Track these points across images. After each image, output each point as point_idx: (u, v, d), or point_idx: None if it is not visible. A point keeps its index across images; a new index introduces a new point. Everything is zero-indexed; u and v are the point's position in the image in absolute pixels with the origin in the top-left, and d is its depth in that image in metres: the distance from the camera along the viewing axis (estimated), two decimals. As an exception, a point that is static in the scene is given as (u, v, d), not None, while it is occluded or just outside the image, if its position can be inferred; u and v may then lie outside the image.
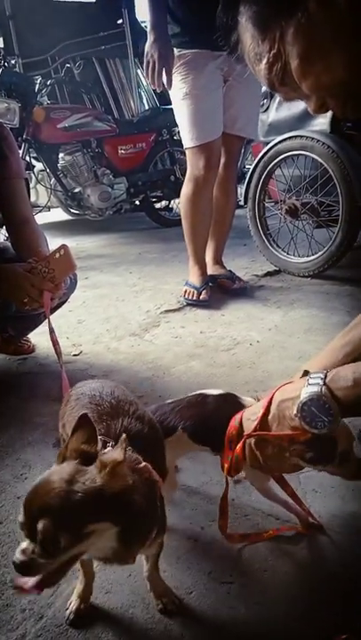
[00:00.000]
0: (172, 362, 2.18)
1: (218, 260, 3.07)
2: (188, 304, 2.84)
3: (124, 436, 0.77)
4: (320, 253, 2.96)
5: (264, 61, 0.82)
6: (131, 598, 1.08)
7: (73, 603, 1.05)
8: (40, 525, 0.72)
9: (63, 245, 1.75)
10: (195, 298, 2.82)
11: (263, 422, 1.00)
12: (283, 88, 0.86)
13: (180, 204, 2.92)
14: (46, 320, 2.17)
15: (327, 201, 2.90)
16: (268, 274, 3.23)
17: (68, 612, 1.05)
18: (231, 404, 1.18)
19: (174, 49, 2.54)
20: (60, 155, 4.39)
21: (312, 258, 3.01)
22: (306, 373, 0.98)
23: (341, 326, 1.14)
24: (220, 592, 1.08)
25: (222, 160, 2.81)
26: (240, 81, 2.58)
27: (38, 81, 4.23)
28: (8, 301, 1.90)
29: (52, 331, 1.65)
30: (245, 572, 1.13)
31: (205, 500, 1.35)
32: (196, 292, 2.84)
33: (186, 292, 2.87)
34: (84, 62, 4.83)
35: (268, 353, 2.19)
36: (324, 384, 0.90)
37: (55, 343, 1.62)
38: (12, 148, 2.01)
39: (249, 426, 1.04)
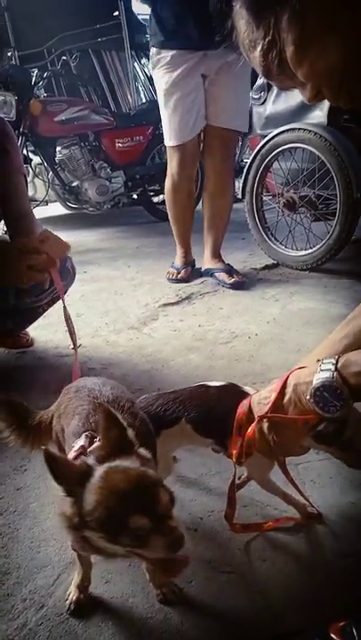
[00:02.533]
0: (171, 355, 2.18)
1: (216, 254, 3.07)
2: (170, 282, 3.10)
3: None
4: (318, 246, 2.95)
5: (258, 48, 0.82)
6: (130, 588, 1.08)
7: (72, 593, 1.06)
8: (162, 495, 0.77)
9: (45, 230, 1.70)
10: (174, 277, 3.10)
11: (277, 406, 1.01)
12: (278, 76, 0.85)
13: (165, 197, 3.18)
14: (43, 315, 2.19)
15: (325, 194, 2.89)
16: (267, 267, 3.23)
17: (67, 602, 1.05)
18: (234, 394, 1.18)
19: (154, 49, 2.69)
20: (58, 148, 4.37)
21: (310, 251, 3.01)
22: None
23: (340, 319, 1.15)
24: (220, 581, 1.09)
25: (217, 153, 2.84)
26: (223, 75, 2.67)
27: (35, 73, 4.20)
28: (7, 292, 1.90)
29: (65, 307, 1.66)
30: (245, 562, 1.13)
31: (204, 492, 1.35)
32: (176, 271, 3.13)
33: (168, 272, 3.15)
34: (80, 54, 4.79)
35: (266, 346, 2.19)
36: (336, 370, 0.92)
37: (68, 318, 1.64)
38: (12, 143, 2.00)
39: (260, 409, 1.04)
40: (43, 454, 0.75)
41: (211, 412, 1.18)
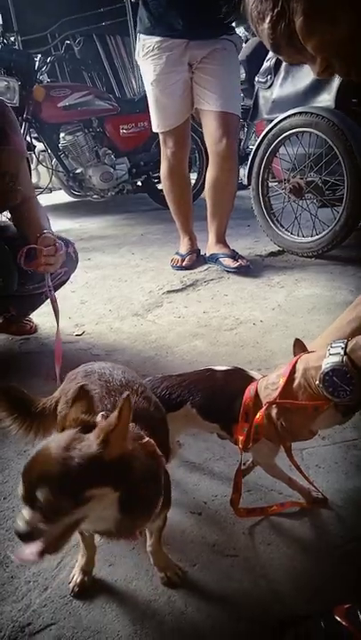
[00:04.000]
0: (175, 341, 2.17)
1: (220, 239, 3.04)
2: (174, 270, 3.08)
3: (124, 395, 0.76)
4: (324, 233, 2.92)
5: (267, 20, 0.79)
6: (134, 571, 1.08)
7: (76, 576, 1.06)
8: (40, 491, 0.73)
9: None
10: (179, 264, 3.09)
11: (286, 391, 1.00)
12: (287, 49, 0.83)
13: (162, 183, 3.22)
14: (47, 301, 2.18)
15: (332, 179, 2.85)
16: (272, 254, 3.20)
17: (71, 584, 1.05)
18: (240, 378, 1.17)
19: (140, 35, 2.77)
20: (61, 134, 4.31)
21: (316, 238, 2.97)
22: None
23: (345, 305, 1.13)
24: (224, 565, 1.08)
25: (216, 136, 2.82)
26: (209, 62, 2.73)
27: (38, 58, 4.14)
28: (11, 279, 1.90)
29: (50, 289, 1.71)
30: (249, 546, 1.13)
31: (208, 476, 1.35)
32: (180, 258, 3.11)
33: (173, 259, 3.14)
34: (84, 39, 4.69)
35: (271, 332, 2.17)
36: (345, 354, 0.90)
37: (53, 301, 1.71)
38: (12, 126, 1.97)
39: (268, 395, 1.03)
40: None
41: (216, 396, 1.17)
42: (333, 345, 0.94)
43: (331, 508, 1.21)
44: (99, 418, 0.91)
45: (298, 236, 3.09)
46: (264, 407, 1.03)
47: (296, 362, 1.02)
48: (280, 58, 0.94)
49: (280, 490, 1.26)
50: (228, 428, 1.15)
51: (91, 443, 0.76)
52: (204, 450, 1.43)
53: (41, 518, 0.74)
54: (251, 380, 1.14)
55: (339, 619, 0.85)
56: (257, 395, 1.08)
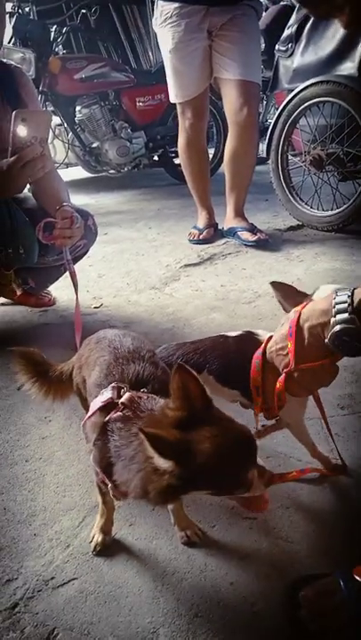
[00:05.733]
0: (193, 314, 2.17)
1: (239, 213, 3.00)
2: (192, 244, 3.06)
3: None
4: (345, 207, 2.86)
5: None
6: (155, 530, 1.10)
7: (96, 535, 1.08)
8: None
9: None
10: (196, 238, 3.07)
11: (298, 355, 0.98)
12: None
13: (179, 156, 3.17)
14: (66, 274, 2.19)
15: (354, 151, 2.78)
16: (291, 228, 3.15)
17: (92, 543, 1.08)
18: (252, 343, 1.14)
19: (159, 2, 2.70)
20: (78, 108, 4.26)
21: (337, 211, 2.91)
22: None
23: (365, 279, 1.10)
24: (243, 526, 1.10)
25: (236, 106, 2.76)
26: (228, 30, 2.67)
27: (53, 29, 4.07)
28: (34, 249, 1.90)
29: (69, 262, 1.69)
30: (268, 509, 1.13)
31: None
32: (198, 232, 3.10)
33: (190, 233, 3.12)
34: (99, 8, 4.58)
35: (290, 305, 2.15)
36: (353, 311, 0.88)
37: (72, 273, 1.70)
38: (31, 96, 1.95)
39: (281, 361, 1.02)
40: (143, 435, 0.73)
41: (232, 362, 1.15)
42: (339, 299, 0.91)
43: (350, 475, 1.21)
44: (109, 390, 0.92)
45: (318, 209, 3.03)
46: (283, 376, 1.01)
47: (298, 319, 0.98)
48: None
49: (299, 457, 1.26)
50: (249, 395, 1.13)
51: None
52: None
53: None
54: (258, 342, 1.12)
55: (358, 577, 0.86)
56: (263, 366, 1.06)
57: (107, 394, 0.93)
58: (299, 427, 1.20)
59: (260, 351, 1.09)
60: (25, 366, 1.24)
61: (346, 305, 0.89)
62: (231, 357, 1.17)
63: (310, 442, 1.21)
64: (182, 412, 0.79)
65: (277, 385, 1.03)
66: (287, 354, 1.00)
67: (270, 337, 1.09)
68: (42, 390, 1.24)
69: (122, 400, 0.87)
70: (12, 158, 1.50)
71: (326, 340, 0.91)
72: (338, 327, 0.88)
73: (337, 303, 0.90)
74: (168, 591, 0.98)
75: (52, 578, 1.02)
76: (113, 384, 0.94)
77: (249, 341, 1.16)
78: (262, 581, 0.98)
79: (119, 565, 1.04)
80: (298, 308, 1.01)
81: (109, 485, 0.89)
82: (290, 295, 1.13)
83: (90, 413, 0.94)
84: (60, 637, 0.91)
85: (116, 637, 0.90)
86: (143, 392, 0.88)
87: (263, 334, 1.15)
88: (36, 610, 0.96)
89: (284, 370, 1.02)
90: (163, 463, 0.74)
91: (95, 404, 0.94)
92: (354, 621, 0.84)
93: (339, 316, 0.89)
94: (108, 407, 0.91)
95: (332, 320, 0.89)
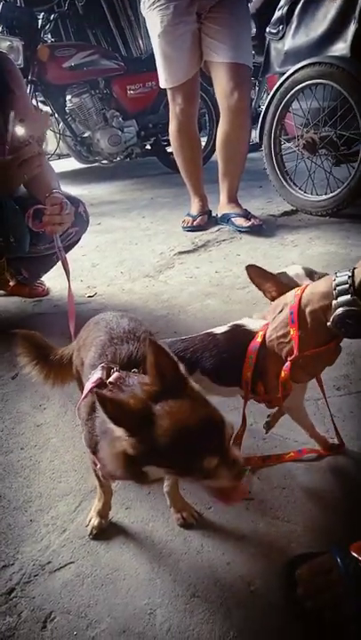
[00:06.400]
0: (188, 300, 2.16)
1: (232, 199, 2.98)
2: (186, 231, 3.04)
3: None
4: (339, 190, 2.83)
5: None
6: (150, 513, 1.10)
7: (93, 519, 1.08)
8: (227, 430, 0.76)
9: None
10: (190, 225, 3.05)
11: (302, 341, 0.96)
12: None
13: (171, 143, 3.14)
14: (58, 263, 2.17)
15: (347, 134, 2.75)
16: (285, 214, 3.13)
17: (88, 527, 1.07)
18: (243, 335, 1.10)
19: None
20: (68, 97, 4.22)
21: (331, 195, 2.89)
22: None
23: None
24: (239, 507, 1.09)
25: (228, 90, 2.72)
26: (218, 12, 2.63)
27: (41, 16, 4.01)
28: (24, 239, 1.88)
29: (60, 249, 1.67)
30: (264, 490, 1.14)
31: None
32: (192, 219, 3.08)
33: (184, 220, 3.11)
34: (88, -5, 4.54)
35: (284, 289, 2.14)
36: (355, 292, 0.86)
37: (64, 260, 1.67)
38: (17, 83, 1.92)
39: (283, 349, 1.00)
40: (96, 397, 0.73)
41: (226, 360, 1.10)
42: (339, 281, 0.88)
43: (347, 455, 1.21)
44: (98, 370, 0.90)
45: (312, 194, 3.01)
46: (288, 365, 0.99)
47: (299, 304, 0.97)
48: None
49: (295, 438, 1.26)
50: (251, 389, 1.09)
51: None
52: (218, 401, 1.42)
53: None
54: (250, 334, 1.08)
55: (355, 554, 0.86)
56: (257, 358, 1.04)
57: (96, 374, 0.92)
58: (300, 410, 1.19)
59: (255, 345, 1.05)
60: (27, 349, 1.23)
61: (347, 286, 0.87)
62: (224, 356, 1.11)
63: (309, 423, 1.20)
64: (155, 387, 0.77)
65: (282, 374, 1.00)
66: (290, 341, 0.98)
67: (266, 325, 1.06)
68: (42, 373, 1.23)
69: (109, 380, 0.86)
70: (10, 157, 1.52)
71: (329, 324, 0.90)
72: (340, 310, 0.87)
73: (337, 285, 0.88)
74: (165, 572, 0.97)
75: (49, 562, 1.02)
76: (103, 364, 0.93)
77: (239, 334, 1.11)
78: (259, 561, 0.98)
79: (116, 548, 1.03)
80: (297, 292, 1.00)
81: (98, 466, 0.88)
82: (264, 276, 1.13)
83: (83, 395, 0.93)
84: (57, 621, 0.91)
85: (113, 619, 0.90)
86: (134, 372, 0.87)
87: (251, 323, 1.12)
88: (33, 594, 0.96)
89: (289, 358, 0.99)
90: (115, 428, 0.73)
91: (87, 385, 0.93)
92: (350, 598, 0.84)
93: (340, 298, 0.87)
94: (99, 388, 0.90)
95: (334, 302, 0.88)
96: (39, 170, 1.62)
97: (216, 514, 1.09)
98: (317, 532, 1.04)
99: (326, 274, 1.10)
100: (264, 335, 1.06)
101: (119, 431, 0.73)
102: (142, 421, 0.73)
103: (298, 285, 1.07)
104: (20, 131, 1.52)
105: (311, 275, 1.16)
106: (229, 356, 1.10)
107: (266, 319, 1.10)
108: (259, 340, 1.06)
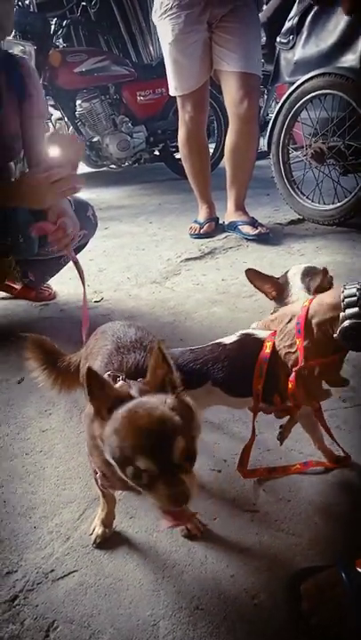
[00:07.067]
0: (194, 307, 2.16)
1: (240, 207, 2.99)
2: (193, 238, 3.04)
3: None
4: (347, 200, 2.84)
5: None
6: (155, 523, 1.09)
7: (96, 528, 1.08)
8: (179, 444, 0.72)
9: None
10: (197, 232, 3.06)
11: (308, 351, 0.96)
12: None
13: (179, 150, 3.15)
14: (65, 267, 2.17)
15: (355, 144, 2.76)
16: (292, 222, 3.13)
17: (92, 535, 1.07)
18: (252, 344, 1.09)
19: None
20: (78, 102, 4.25)
21: (338, 205, 2.90)
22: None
23: (367, 272, 1.09)
24: (244, 519, 1.09)
25: (237, 98, 2.74)
26: (229, 21, 2.65)
27: (54, 22, 4.05)
28: (32, 242, 1.90)
29: (76, 262, 1.69)
30: (269, 502, 1.13)
31: (228, 436, 1.35)
32: (199, 226, 3.08)
33: (191, 227, 3.11)
34: (100, 2, 4.56)
35: (291, 299, 2.14)
36: None
37: (76, 262, 1.69)
38: (37, 87, 1.96)
39: (290, 359, 1.00)
40: (85, 371, 0.75)
41: (238, 371, 1.09)
42: (347, 293, 0.88)
43: (353, 468, 1.20)
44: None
45: (319, 203, 3.01)
46: (293, 375, 0.99)
47: (306, 315, 0.97)
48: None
49: (300, 449, 1.26)
50: (266, 399, 1.08)
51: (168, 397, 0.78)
52: (224, 411, 1.42)
53: (186, 476, 0.73)
54: (260, 342, 1.07)
55: (360, 570, 0.85)
56: (267, 372, 1.03)
57: None
58: (308, 420, 1.18)
59: (264, 356, 1.04)
60: (36, 354, 1.23)
61: (355, 299, 0.87)
62: (236, 366, 1.09)
63: (319, 434, 1.19)
64: (147, 387, 0.80)
65: (289, 385, 1.01)
66: (295, 351, 0.99)
67: (273, 334, 1.06)
68: (50, 379, 1.23)
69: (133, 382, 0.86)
70: (44, 174, 1.61)
71: (335, 336, 0.90)
72: (348, 322, 0.87)
73: (346, 297, 0.89)
74: (168, 584, 0.97)
75: (52, 570, 1.01)
76: (109, 372, 0.93)
77: (249, 344, 1.10)
78: (263, 574, 0.98)
79: (119, 558, 1.03)
80: (305, 302, 1.00)
81: (98, 474, 0.88)
82: (262, 278, 1.23)
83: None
84: (59, 630, 0.90)
85: (116, 630, 0.90)
86: (139, 381, 0.87)
87: (261, 332, 1.12)
88: (36, 602, 0.95)
89: (294, 368, 1.00)
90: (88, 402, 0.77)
91: None
92: (355, 613, 0.83)
93: (348, 311, 0.87)
94: None
95: (342, 315, 0.88)
96: (71, 193, 1.71)
97: (221, 525, 1.08)
98: (323, 545, 1.03)
99: (325, 268, 1.12)
100: (273, 345, 1.06)
101: (89, 408, 0.77)
102: (112, 406, 0.76)
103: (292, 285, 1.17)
104: (54, 151, 1.63)
105: (308, 274, 1.19)
106: (241, 367, 1.09)
107: (268, 328, 1.10)
108: (268, 350, 1.06)
